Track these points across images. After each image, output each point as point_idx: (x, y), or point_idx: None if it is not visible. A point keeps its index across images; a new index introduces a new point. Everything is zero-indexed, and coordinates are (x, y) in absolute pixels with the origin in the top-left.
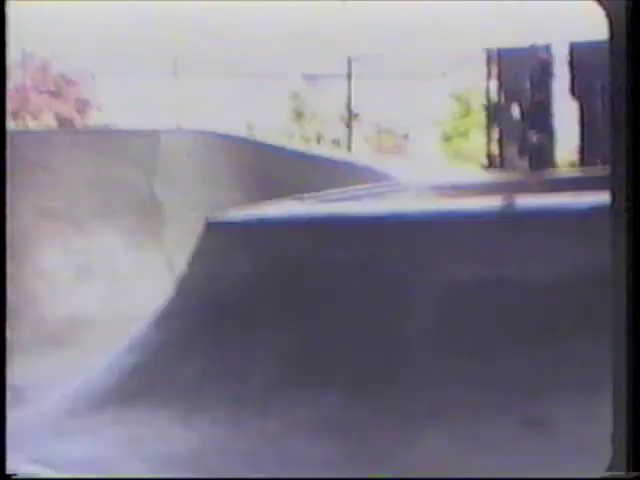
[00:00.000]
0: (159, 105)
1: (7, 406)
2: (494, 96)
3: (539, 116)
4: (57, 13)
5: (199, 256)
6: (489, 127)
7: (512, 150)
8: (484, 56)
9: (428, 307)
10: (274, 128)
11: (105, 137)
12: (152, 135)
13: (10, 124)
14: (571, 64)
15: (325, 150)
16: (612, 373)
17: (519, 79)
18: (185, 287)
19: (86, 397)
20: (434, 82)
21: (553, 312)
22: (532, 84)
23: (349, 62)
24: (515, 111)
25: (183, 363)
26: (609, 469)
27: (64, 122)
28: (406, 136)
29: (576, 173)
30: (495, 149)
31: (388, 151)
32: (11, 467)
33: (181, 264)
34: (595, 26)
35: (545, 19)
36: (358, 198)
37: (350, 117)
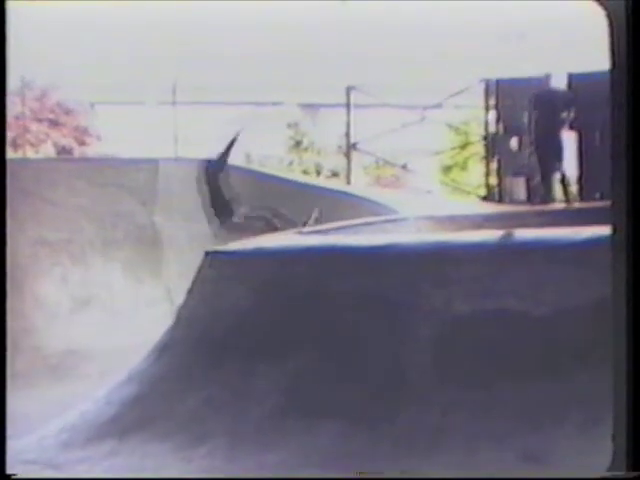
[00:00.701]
0: (157, 134)
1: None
2: (493, 127)
3: (538, 148)
4: (55, 41)
5: (198, 287)
6: (487, 158)
7: (510, 182)
8: (482, 86)
9: (427, 338)
10: (272, 158)
11: (104, 167)
12: (151, 164)
13: (10, 153)
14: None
15: (324, 181)
16: (612, 374)
17: (518, 110)
18: (184, 318)
19: (84, 429)
20: (432, 112)
21: (552, 343)
22: (531, 115)
23: (347, 91)
24: (514, 142)
25: (182, 395)
26: (609, 469)
27: (63, 151)
28: (404, 166)
29: (575, 205)
30: (493, 180)
31: (386, 181)
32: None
33: (180, 295)
34: (595, 57)
35: (545, 49)
36: (357, 230)
37: (349, 147)
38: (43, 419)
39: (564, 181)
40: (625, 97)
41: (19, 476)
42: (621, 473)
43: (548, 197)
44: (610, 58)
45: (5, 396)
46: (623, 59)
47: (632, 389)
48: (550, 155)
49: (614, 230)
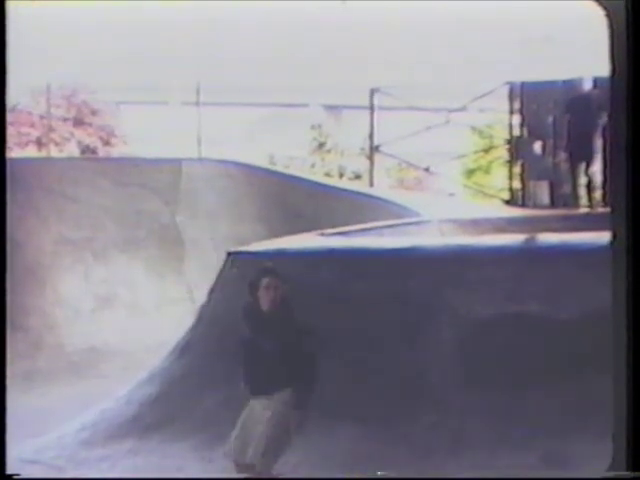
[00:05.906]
0: (181, 134)
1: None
2: (517, 131)
3: (572, 153)
4: (82, 41)
5: (220, 287)
6: (511, 162)
7: (534, 185)
8: (507, 90)
9: (449, 341)
10: (296, 159)
11: (127, 166)
12: (174, 164)
13: (34, 152)
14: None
15: (346, 183)
16: (613, 374)
17: (542, 114)
18: (205, 318)
19: (105, 427)
20: (456, 115)
21: (574, 348)
22: (555, 119)
23: (371, 93)
24: (537, 146)
25: (202, 394)
26: (609, 469)
27: (87, 151)
28: (427, 169)
29: (598, 210)
30: (517, 184)
31: (409, 184)
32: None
33: (202, 294)
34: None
35: (571, 52)
36: (380, 232)
37: (372, 149)
38: (64, 416)
39: (590, 186)
40: (625, 98)
41: (19, 476)
42: (621, 473)
43: (574, 202)
44: (610, 58)
45: (5, 396)
46: (623, 59)
47: (632, 390)
48: (583, 160)
49: (614, 237)
